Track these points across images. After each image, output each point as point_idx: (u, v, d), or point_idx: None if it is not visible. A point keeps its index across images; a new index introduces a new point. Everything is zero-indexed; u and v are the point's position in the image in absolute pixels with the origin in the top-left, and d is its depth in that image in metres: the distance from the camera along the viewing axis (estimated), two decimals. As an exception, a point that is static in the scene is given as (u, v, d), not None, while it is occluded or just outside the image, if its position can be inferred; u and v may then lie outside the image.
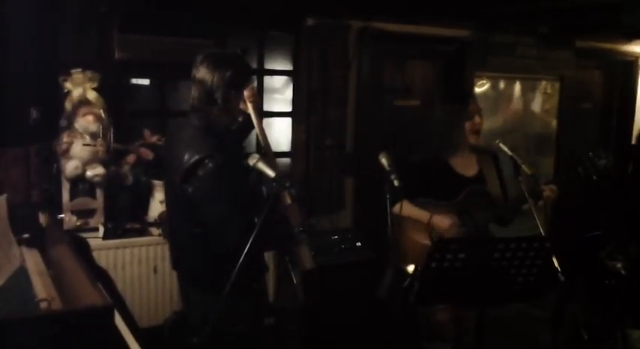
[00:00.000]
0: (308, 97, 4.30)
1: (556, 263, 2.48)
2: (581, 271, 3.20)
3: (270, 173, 2.18)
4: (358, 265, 3.88)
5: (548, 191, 2.93)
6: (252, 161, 2.21)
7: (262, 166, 2.19)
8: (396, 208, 2.92)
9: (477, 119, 3.03)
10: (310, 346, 3.69)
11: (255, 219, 2.30)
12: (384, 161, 2.46)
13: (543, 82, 5.77)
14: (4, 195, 2.06)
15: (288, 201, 2.46)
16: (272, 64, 4.58)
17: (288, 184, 2.23)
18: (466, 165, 3.09)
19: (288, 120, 4.52)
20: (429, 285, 2.28)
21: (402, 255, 2.89)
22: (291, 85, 4.55)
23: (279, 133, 4.67)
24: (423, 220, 2.95)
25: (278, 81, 4.86)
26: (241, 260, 2.04)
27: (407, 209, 2.96)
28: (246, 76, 2.53)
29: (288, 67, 4.55)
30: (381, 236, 2.54)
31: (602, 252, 3.26)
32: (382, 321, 3.37)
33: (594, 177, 2.90)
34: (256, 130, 2.70)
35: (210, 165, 2.26)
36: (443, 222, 2.92)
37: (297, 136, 4.38)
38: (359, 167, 4.56)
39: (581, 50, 5.53)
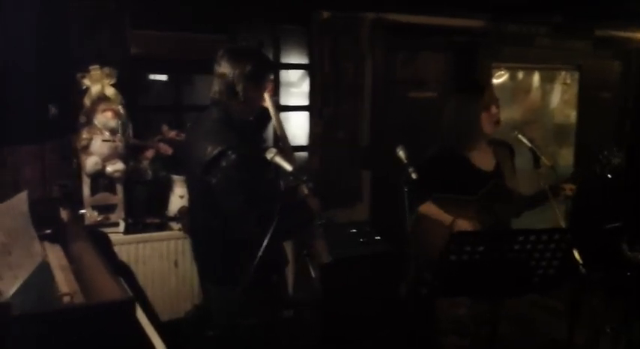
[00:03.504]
0: (321, 90, 4.30)
1: (577, 256, 2.46)
2: (601, 262, 3.17)
3: (287, 167, 2.20)
4: (376, 258, 3.88)
5: (568, 191, 2.90)
6: (269, 155, 2.23)
7: (279, 160, 2.21)
8: (422, 208, 2.91)
9: (493, 109, 2.95)
10: (328, 338, 3.70)
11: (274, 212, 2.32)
12: (401, 154, 2.45)
13: (563, 73, 5.71)
14: (25, 191, 2.08)
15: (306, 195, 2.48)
16: (288, 58, 4.58)
17: (305, 178, 2.24)
18: (484, 159, 3.02)
19: (305, 114, 4.52)
20: (447, 278, 2.27)
21: (422, 251, 2.86)
22: (308, 79, 4.55)
23: (296, 127, 4.67)
24: (445, 222, 2.89)
25: (294, 74, 4.86)
26: (260, 253, 2.06)
27: (430, 210, 2.94)
28: (266, 69, 2.56)
29: (304, 60, 4.54)
30: (399, 229, 2.54)
31: (623, 244, 3.22)
32: (399, 315, 3.37)
33: (609, 176, 2.87)
34: (274, 124, 2.72)
35: (232, 156, 2.29)
36: (464, 228, 2.85)
37: (314, 130, 4.38)
38: (375, 160, 4.55)
39: (599, 39, 5.46)
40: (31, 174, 3.35)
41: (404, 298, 2.58)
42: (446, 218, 2.89)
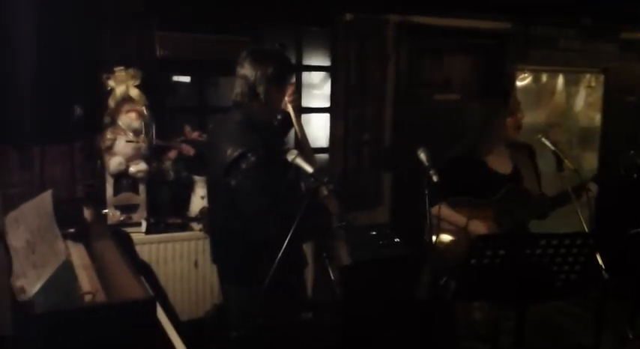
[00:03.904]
0: (346, 92, 4.29)
1: (600, 260, 2.43)
2: (626, 268, 3.12)
3: (308, 169, 2.20)
4: (396, 261, 3.86)
5: (593, 190, 2.86)
6: (290, 156, 2.23)
7: (300, 162, 2.21)
8: (435, 209, 2.89)
9: (519, 114, 2.97)
10: (347, 341, 3.69)
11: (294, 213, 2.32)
12: (422, 156, 2.44)
13: (587, 75, 5.64)
14: (50, 191, 2.11)
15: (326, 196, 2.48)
16: (310, 60, 4.58)
17: (325, 180, 2.24)
18: (501, 162, 3.01)
19: (327, 116, 4.52)
20: (468, 283, 2.26)
21: (439, 254, 2.84)
22: (329, 81, 4.55)
23: (317, 129, 4.67)
24: (459, 225, 2.88)
25: (316, 76, 4.86)
26: (280, 255, 2.06)
27: (444, 212, 2.92)
28: (287, 71, 2.58)
29: (326, 62, 4.55)
30: (419, 232, 2.52)
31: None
32: (419, 318, 3.36)
33: (635, 176, 2.83)
34: (295, 127, 2.72)
35: (252, 158, 2.30)
36: (480, 228, 2.84)
37: (335, 132, 4.38)
38: (397, 162, 4.54)
39: (626, 42, 5.38)
40: (56, 173, 3.39)
41: (420, 300, 2.56)
42: (460, 220, 2.88)
